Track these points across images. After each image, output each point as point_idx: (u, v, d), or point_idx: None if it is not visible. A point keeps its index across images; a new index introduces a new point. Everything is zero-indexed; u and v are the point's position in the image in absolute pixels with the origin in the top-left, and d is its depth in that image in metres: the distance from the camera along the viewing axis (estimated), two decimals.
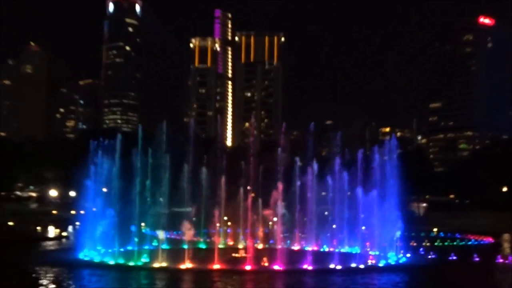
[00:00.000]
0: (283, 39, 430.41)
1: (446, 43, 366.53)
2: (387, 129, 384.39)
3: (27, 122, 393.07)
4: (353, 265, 54.07)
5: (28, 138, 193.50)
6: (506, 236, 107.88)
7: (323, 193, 71.97)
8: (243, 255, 59.06)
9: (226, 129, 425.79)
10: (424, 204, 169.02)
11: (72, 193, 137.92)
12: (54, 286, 40.60)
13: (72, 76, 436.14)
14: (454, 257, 63.24)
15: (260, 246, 72.71)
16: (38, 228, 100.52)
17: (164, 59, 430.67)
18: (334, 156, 69.33)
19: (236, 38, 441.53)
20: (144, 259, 53.64)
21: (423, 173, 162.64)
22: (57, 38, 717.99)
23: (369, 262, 55.74)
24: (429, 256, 65.07)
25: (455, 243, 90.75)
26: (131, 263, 52.38)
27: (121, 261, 53.31)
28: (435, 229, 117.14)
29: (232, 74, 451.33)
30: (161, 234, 58.69)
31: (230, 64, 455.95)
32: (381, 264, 55.97)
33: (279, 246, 63.73)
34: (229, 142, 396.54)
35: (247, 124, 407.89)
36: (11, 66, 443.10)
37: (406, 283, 46.94)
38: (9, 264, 53.16)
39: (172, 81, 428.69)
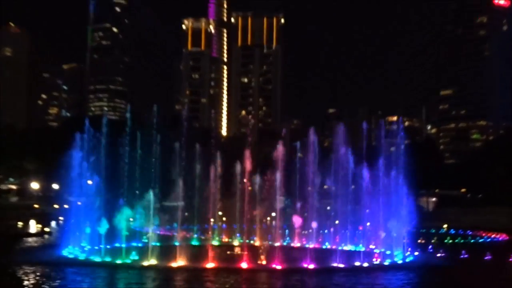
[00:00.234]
0: (282, 20, 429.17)
1: (458, 26, 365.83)
2: (394, 118, 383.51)
3: (6, 109, 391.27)
4: (357, 263, 54.24)
5: (7, 126, 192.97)
6: None
7: (325, 187, 72.12)
8: (239, 252, 59.22)
9: (221, 117, 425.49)
10: (434, 199, 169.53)
11: (55, 186, 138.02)
12: (34, 286, 40.56)
13: (55, 59, 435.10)
14: (465, 256, 63.47)
15: (257, 243, 72.89)
16: (19, 223, 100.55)
17: (154, 42, 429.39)
18: (337, 147, 69.26)
19: (232, 19, 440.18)
20: (133, 256, 53.72)
21: (433, 165, 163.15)
22: (38, 18, 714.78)
23: (374, 260, 55.92)
24: (439, 255, 65.30)
25: (466, 240, 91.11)
26: (119, 261, 52.47)
27: (108, 259, 53.39)
28: (445, 226, 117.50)
29: (228, 58, 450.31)
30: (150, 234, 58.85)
31: (225, 47, 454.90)
32: (386, 263, 56.15)
33: (278, 243, 63.90)
34: (224, 132, 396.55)
35: (243, 112, 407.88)
36: None
37: (413, 284, 47.07)
38: None
39: (162, 66, 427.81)
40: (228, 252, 61.43)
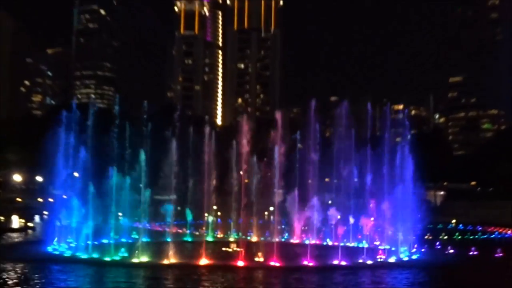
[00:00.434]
0: (281, 2, 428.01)
1: (469, 8, 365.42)
2: (400, 107, 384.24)
3: None
4: (360, 261, 54.37)
5: None
6: None
7: (327, 180, 72.23)
8: (235, 249, 59.30)
9: (216, 105, 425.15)
10: (442, 192, 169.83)
11: (39, 178, 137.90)
12: (15, 284, 40.53)
13: (38, 44, 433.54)
14: (475, 253, 63.63)
15: (254, 239, 73.00)
16: (0, 218, 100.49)
17: (144, 25, 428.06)
18: (340, 137, 69.37)
19: (228, 1, 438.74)
20: (122, 253, 53.77)
21: (441, 156, 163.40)
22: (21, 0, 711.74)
23: (378, 257, 56.06)
24: (447, 251, 65.47)
25: (476, 236, 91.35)
26: (107, 258, 52.51)
27: (95, 255, 53.44)
28: (453, 221, 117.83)
29: (223, 42, 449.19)
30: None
31: (220, 31, 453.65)
32: (392, 260, 56.31)
33: (276, 239, 64.00)
34: (219, 121, 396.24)
35: (240, 100, 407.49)
36: None
37: (420, 282, 47.16)
38: None
39: (153, 51, 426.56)
40: (223, 249, 61.51)
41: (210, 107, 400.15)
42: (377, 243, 64.52)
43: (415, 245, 62.53)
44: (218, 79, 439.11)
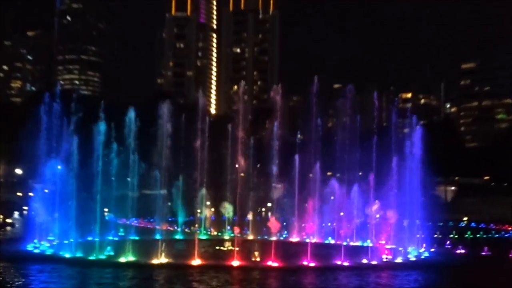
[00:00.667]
0: None
1: None
2: (409, 95, 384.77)
3: None
4: (364, 261, 54.51)
5: None
6: None
7: (329, 173, 72.29)
8: (229, 248, 59.42)
9: (210, 93, 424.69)
10: (453, 188, 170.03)
11: (19, 171, 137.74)
12: None
13: (18, 25, 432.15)
14: (488, 253, 63.81)
15: (250, 237, 73.16)
16: None
17: (132, 5, 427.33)
18: (343, 127, 69.44)
19: None
20: (108, 252, 53.83)
21: (452, 149, 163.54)
22: None
23: (384, 257, 56.21)
24: (458, 251, 65.66)
25: (489, 235, 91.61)
26: (92, 257, 52.57)
27: (79, 254, 53.49)
28: (465, 218, 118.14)
29: (218, 25, 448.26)
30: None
31: (215, 12, 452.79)
32: (398, 260, 56.47)
33: (274, 238, 64.12)
34: (213, 110, 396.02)
35: (235, 87, 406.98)
36: None
37: (428, 284, 47.28)
38: None
39: (142, 34, 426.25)
40: (217, 247, 61.63)
41: (203, 94, 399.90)
42: (383, 242, 64.61)
43: (424, 244, 62.70)
44: (212, 65, 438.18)
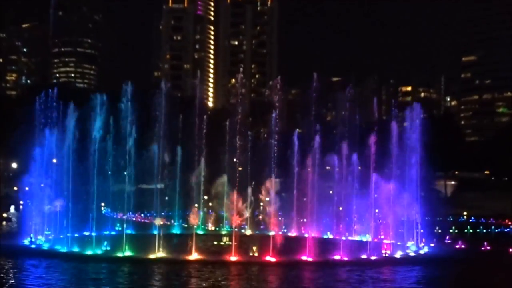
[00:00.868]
0: None
1: None
2: (409, 88, 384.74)
3: None
4: (363, 256, 54.63)
5: None
6: None
7: (328, 168, 72.28)
8: (227, 243, 59.53)
9: (207, 86, 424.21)
10: (453, 182, 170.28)
11: (14, 165, 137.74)
12: None
13: (13, 18, 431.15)
14: (488, 248, 63.96)
15: (248, 232, 73.24)
16: None
17: None
18: (342, 121, 69.46)
19: None
20: (105, 247, 53.93)
21: (452, 143, 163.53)
22: None
23: (383, 252, 56.33)
24: (457, 246, 65.81)
25: (489, 230, 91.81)
26: (88, 252, 52.66)
27: (75, 249, 53.58)
28: (465, 213, 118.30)
29: (215, 16, 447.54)
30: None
31: (212, 4, 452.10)
32: (397, 256, 56.60)
33: (272, 233, 64.19)
34: (210, 103, 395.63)
35: (233, 80, 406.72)
36: None
37: (428, 280, 47.38)
38: None
39: (139, 26, 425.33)
40: (215, 243, 61.73)
41: (200, 87, 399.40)
42: (382, 237, 64.77)
43: (423, 239, 62.82)
44: (209, 57, 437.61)
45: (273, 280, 45.54)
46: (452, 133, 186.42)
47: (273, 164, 66.50)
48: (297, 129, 71.04)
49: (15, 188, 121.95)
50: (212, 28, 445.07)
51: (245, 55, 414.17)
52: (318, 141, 66.76)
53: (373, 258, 54.28)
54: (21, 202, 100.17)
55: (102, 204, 64.54)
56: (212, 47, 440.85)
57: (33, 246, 55.71)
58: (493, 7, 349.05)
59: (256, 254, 52.85)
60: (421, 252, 59.80)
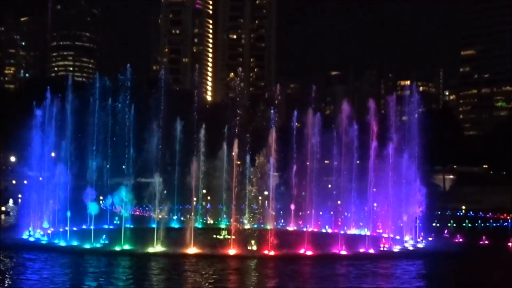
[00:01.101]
0: None
1: None
2: (407, 82, 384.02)
3: None
4: (361, 250, 54.68)
5: None
6: None
7: (326, 162, 72.35)
8: (226, 236, 59.56)
9: (206, 80, 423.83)
10: (451, 176, 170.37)
11: (13, 158, 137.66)
12: None
13: (11, 11, 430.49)
14: (486, 242, 64.03)
15: (247, 226, 73.28)
16: None
17: None
18: (341, 114, 69.33)
19: None
20: (103, 240, 53.94)
21: (451, 137, 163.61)
22: None
23: (381, 247, 56.38)
24: (455, 240, 65.87)
25: (487, 224, 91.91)
26: (87, 246, 52.67)
27: (74, 242, 53.58)
28: (463, 207, 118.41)
29: (214, 10, 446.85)
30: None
31: None
32: (396, 250, 56.65)
33: (271, 227, 64.26)
34: (209, 97, 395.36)
35: (232, 74, 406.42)
36: None
37: (425, 274, 47.45)
38: None
39: (137, 20, 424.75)
40: (214, 236, 61.77)
41: (199, 81, 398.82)
42: (380, 231, 64.84)
43: (422, 234, 62.86)
44: (208, 51, 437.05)
45: (272, 274, 45.58)
46: (451, 127, 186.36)
47: (271, 158, 66.26)
48: (296, 123, 71.05)
49: (14, 182, 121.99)
50: (210, 21, 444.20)
51: (243, 49, 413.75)
52: (316, 135, 66.83)
53: (371, 251, 54.31)
54: (20, 195, 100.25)
55: (101, 197, 64.45)
56: (210, 41, 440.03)
57: (31, 239, 55.69)
58: (492, 2, 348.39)
59: (254, 248, 52.84)
60: (420, 246, 59.82)
